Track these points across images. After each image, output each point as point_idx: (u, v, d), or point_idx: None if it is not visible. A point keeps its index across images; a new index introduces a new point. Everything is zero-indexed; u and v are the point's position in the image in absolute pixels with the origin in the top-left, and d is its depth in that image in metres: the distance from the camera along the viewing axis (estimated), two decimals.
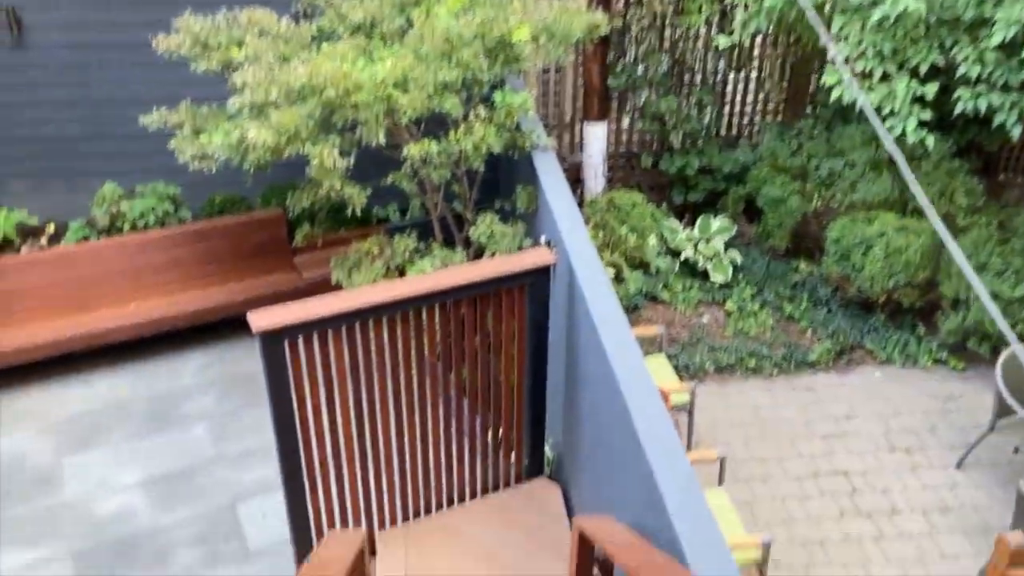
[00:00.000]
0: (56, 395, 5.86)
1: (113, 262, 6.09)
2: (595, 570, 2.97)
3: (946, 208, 6.39)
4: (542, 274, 3.96)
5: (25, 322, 5.92)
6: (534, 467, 4.53)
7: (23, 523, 4.88)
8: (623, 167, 8.02)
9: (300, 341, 3.61)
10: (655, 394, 3.10)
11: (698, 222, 7.08)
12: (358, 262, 5.26)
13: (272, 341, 3.49)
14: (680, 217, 7.39)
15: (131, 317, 6.01)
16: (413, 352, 3.90)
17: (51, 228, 6.72)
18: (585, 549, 2.94)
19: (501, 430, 4.37)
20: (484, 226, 5.01)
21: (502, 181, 6.23)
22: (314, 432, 3.79)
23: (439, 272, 3.88)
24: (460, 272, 3.87)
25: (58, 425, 5.60)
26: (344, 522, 4.08)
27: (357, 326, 3.71)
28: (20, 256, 5.92)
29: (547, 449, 4.57)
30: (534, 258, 3.95)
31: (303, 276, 6.43)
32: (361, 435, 3.93)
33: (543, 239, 4.51)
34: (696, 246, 6.89)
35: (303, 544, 4.01)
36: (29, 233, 6.65)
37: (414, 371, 3.95)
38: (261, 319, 3.46)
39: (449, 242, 5.80)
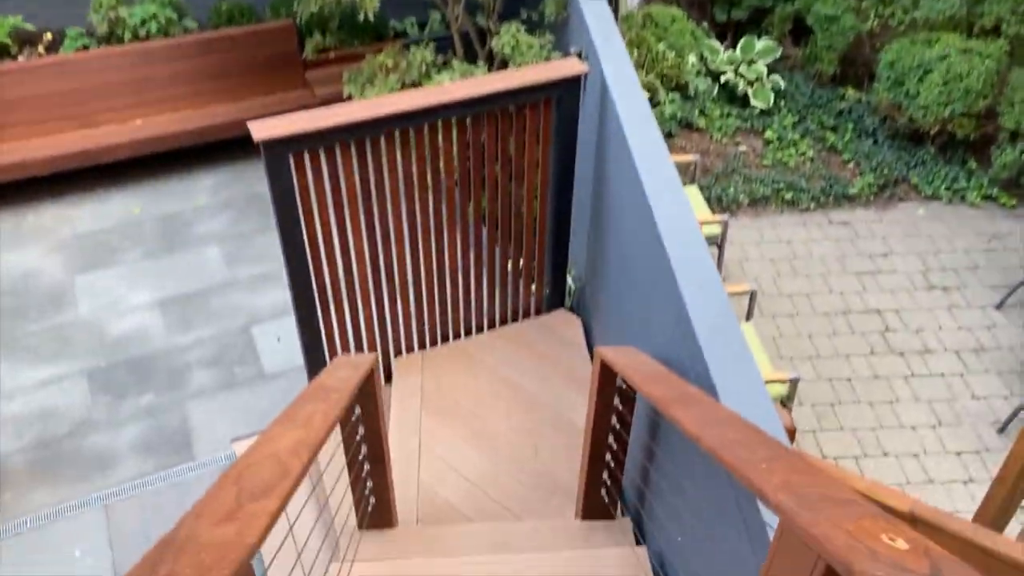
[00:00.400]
0: (66, 213, 5.69)
1: (115, 73, 5.74)
2: (616, 400, 2.82)
3: (1017, 28, 5.80)
4: (572, 87, 3.60)
5: (25, 135, 5.66)
6: (555, 299, 4.35)
7: (35, 340, 4.83)
8: None
9: (306, 155, 3.33)
10: (692, 220, 2.83)
11: (741, 42, 6.53)
12: (372, 76, 4.88)
13: (275, 153, 3.21)
14: (721, 37, 6.83)
15: (137, 133, 5.73)
16: (429, 174, 3.62)
17: (48, 36, 6.33)
18: (607, 378, 2.77)
19: (522, 259, 4.16)
20: (508, 36, 4.58)
21: None
22: (324, 253, 3.58)
23: (458, 83, 3.53)
24: (481, 82, 3.52)
25: (68, 243, 5.47)
26: (359, 347, 3.96)
27: (368, 141, 3.42)
28: (17, 63, 5.58)
29: (569, 280, 4.37)
30: (563, 68, 3.57)
31: (315, 93, 6.06)
32: (375, 258, 3.73)
33: (573, 50, 4.10)
34: (737, 69, 6.39)
35: (316, 370, 3.91)
36: (26, 41, 6.28)
37: (430, 194, 3.68)
38: (262, 128, 3.17)
39: (471, 58, 5.37)
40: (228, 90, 6.04)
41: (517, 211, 3.96)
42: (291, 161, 3.28)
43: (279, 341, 4.82)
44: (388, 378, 4.16)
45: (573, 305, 4.49)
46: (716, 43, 6.58)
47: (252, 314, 5.00)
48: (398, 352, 4.14)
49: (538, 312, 4.37)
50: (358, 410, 2.74)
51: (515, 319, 4.34)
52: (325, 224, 3.52)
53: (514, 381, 3.99)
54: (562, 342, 4.21)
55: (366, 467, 2.92)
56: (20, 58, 5.99)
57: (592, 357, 3.86)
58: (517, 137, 3.71)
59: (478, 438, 3.72)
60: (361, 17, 4.46)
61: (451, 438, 3.72)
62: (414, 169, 3.60)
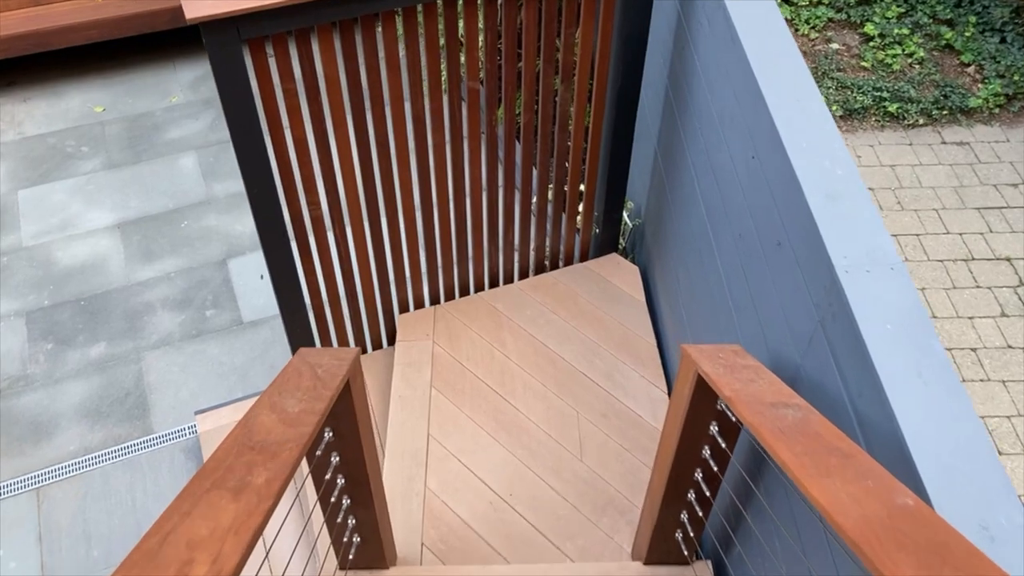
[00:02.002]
0: (11, 110, 4.73)
1: None
2: (713, 427, 1.89)
3: None
4: None
5: None
6: (606, 240, 3.36)
7: None
8: None
9: (269, 42, 2.33)
10: (848, 163, 1.82)
11: None
12: None
13: (222, 40, 2.21)
14: None
15: (100, 11, 4.69)
16: (444, 70, 2.61)
17: None
18: (702, 396, 1.83)
19: (566, 187, 3.16)
20: None
21: None
22: (300, 178, 2.62)
23: None
24: None
25: (12, 148, 4.53)
26: (351, 300, 3.03)
27: (359, 23, 2.41)
28: None
29: (625, 216, 3.38)
30: None
31: None
32: (369, 185, 2.76)
33: None
34: None
35: (295, 332, 2.99)
36: None
37: (445, 98, 2.67)
38: (199, 3, 2.17)
39: None
40: None
41: (562, 122, 2.94)
42: (247, 53, 2.28)
43: (263, 279, 3.91)
44: (390, 340, 3.25)
45: (628, 248, 3.51)
46: None
47: (231, 243, 4.08)
48: (403, 306, 3.21)
49: (584, 257, 3.40)
50: (329, 434, 1.82)
51: (554, 265, 3.37)
52: (300, 139, 2.54)
53: (552, 349, 3.06)
54: (614, 297, 3.25)
55: (345, 502, 2.03)
56: None
57: (652, 311, 2.91)
58: (567, 18, 2.66)
59: (505, 429, 2.82)
60: None
61: (469, 430, 2.82)
62: (423, 63, 2.59)
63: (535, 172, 3.08)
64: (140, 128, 4.64)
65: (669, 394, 2.95)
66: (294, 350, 3.08)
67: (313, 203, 2.72)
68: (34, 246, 4.06)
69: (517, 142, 2.97)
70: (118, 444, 3.32)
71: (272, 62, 2.29)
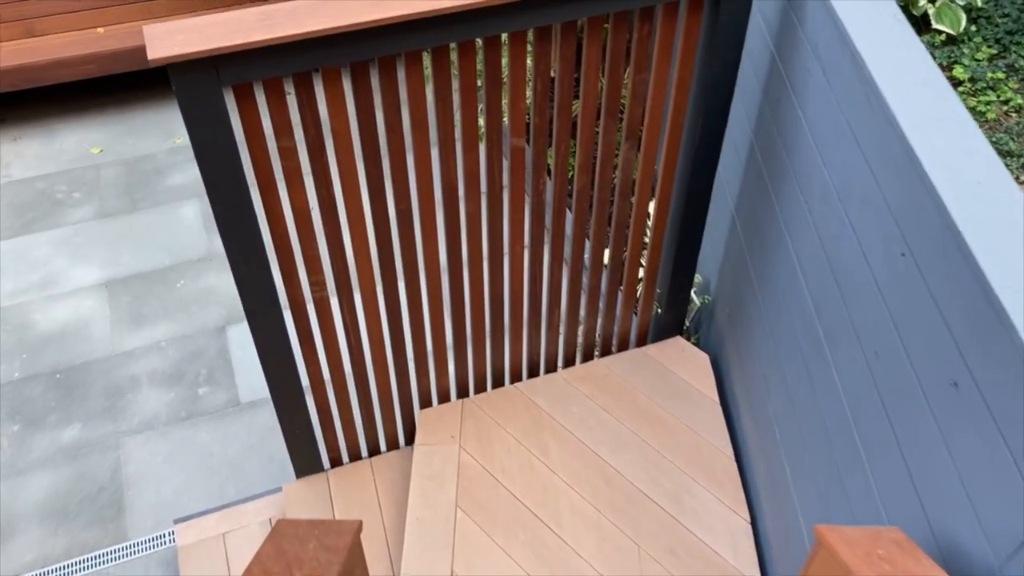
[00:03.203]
0: (1, 149, 4.29)
1: None
2: None
3: None
4: None
5: None
6: (670, 322, 2.81)
7: None
8: None
9: (260, 89, 1.83)
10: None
11: None
12: None
13: (197, 87, 1.71)
14: None
15: (99, 44, 4.26)
16: (483, 119, 2.09)
17: None
18: None
19: (624, 259, 2.63)
20: None
21: None
22: (302, 260, 2.12)
23: None
24: None
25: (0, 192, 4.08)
26: (362, 391, 2.50)
27: (375, 64, 1.90)
28: None
29: (693, 295, 2.83)
30: None
31: None
32: (387, 263, 2.23)
33: None
34: None
35: (296, 437, 2.46)
36: None
37: (483, 152, 2.16)
38: (165, 39, 1.66)
39: None
40: None
41: (624, 188, 2.41)
42: (232, 100, 1.77)
43: None
44: (408, 439, 2.71)
45: (692, 329, 2.95)
46: None
47: (232, 307, 3.57)
48: (425, 399, 2.67)
49: (642, 340, 2.85)
50: None
51: (606, 351, 2.83)
52: (301, 210, 2.03)
53: (605, 460, 2.50)
54: (680, 392, 2.69)
55: None
56: None
57: (726, 410, 2.33)
58: (637, 62, 2.14)
59: (548, 566, 2.25)
60: None
61: (503, 565, 2.26)
62: (457, 110, 2.07)
63: (587, 243, 2.55)
64: (139, 172, 4.18)
65: (752, 524, 2.37)
66: (292, 457, 2.55)
67: (317, 284, 2.20)
68: (9, 307, 3.58)
69: (568, 209, 2.49)
70: (84, 553, 2.80)
71: (265, 113, 1.79)
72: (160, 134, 4.39)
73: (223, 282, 3.66)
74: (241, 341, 3.44)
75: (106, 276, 3.71)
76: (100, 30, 4.39)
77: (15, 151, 4.27)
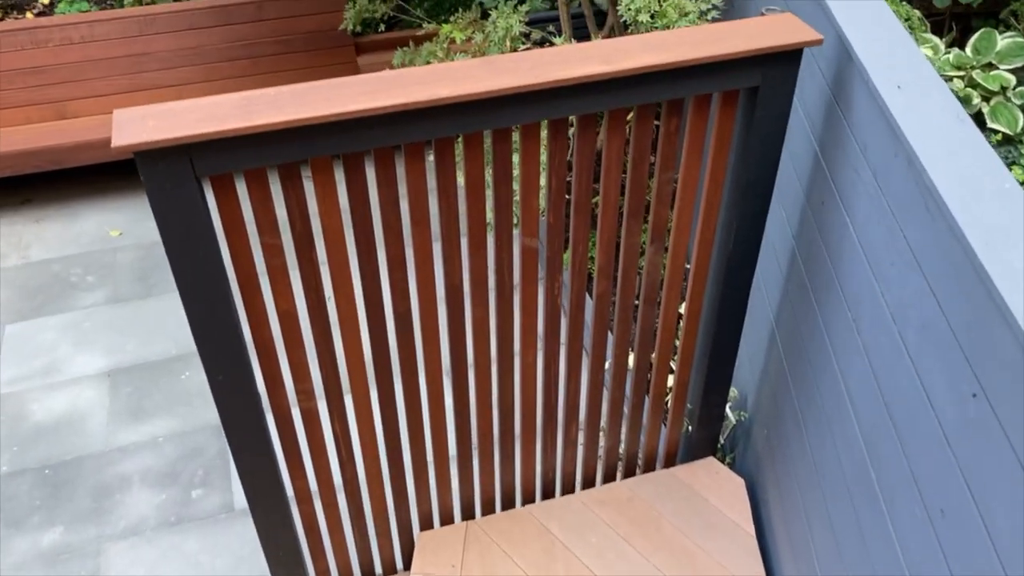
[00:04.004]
0: (22, 231, 4.23)
1: (102, 47, 4.26)
2: None
3: None
4: (783, 69, 1.80)
5: None
6: (701, 440, 2.53)
7: None
8: None
9: (241, 180, 1.66)
10: None
11: (973, 39, 4.56)
12: (432, 54, 3.20)
13: (167, 178, 1.54)
14: (942, 31, 4.89)
15: None
16: (492, 214, 1.90)
17: (44, 0, 4.94)
18: None
19: (651, 371, 2.38)
20: None
21: None
22: (288, 367, 1.91)
23: (558, 50, 1.80)
24: (612, 51, 1.75)
25: (13, 274, 3.98)
26: (354, 509, 2.24)
27: (371, 155, 1.73)
28: None
29: (728, 411, 2.56)
30: (773, 33, 1.78)
31: None
32: (383, 368, 2.02)
33: (765, 9, 2.30)
34: (969, 75, 4.43)
35: (280, 559, 2.21)
36: (12, 6, 4.90)
37: (491, 250, 1.95)
38: (135, 124, 1.51)
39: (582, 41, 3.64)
40: (251, 77, 4.48)
41: (650, 294, 2.18)
42: (208, 191, 1.60)
43: None
44: (406, 563, 2.44)
45: (727, 447, 2.67)
46: (935, 38, 4.63)
47: None
48: (425, 521, 2.40)
49: (670, 460, 2.57)
50: None
51: (629, 471, 2.55)
52: (287, 313, 1.83)
53: None
54: (711, 522, 2.40)
55: None
56: None
57: (762, 544, 2.02)
58: (664, 158, 1.94)
59: None
60: None
61: None
62: (462, 210, 1.88)
63: (609, 351, 2.31)
64: (155, 257, 4.07)
65: None
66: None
67: (304, 393, 1.99)
68: (8, 394, 3.42)
69: (586, 306, 2.27)
70: None
71: (246, 207, 1.60)
72: None
73: None
74: None
75: (110, 364, 3.55)
76: None
77: (36, 232, 4.20)
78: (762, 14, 2.07)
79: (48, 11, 4.85)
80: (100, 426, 3.31)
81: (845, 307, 1.81)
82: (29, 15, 4.81)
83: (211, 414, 3.34)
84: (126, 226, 4.26)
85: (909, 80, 1.63)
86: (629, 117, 1.92)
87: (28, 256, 4.09)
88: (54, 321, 3.75)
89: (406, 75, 1.69)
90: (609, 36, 3.60)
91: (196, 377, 3.49)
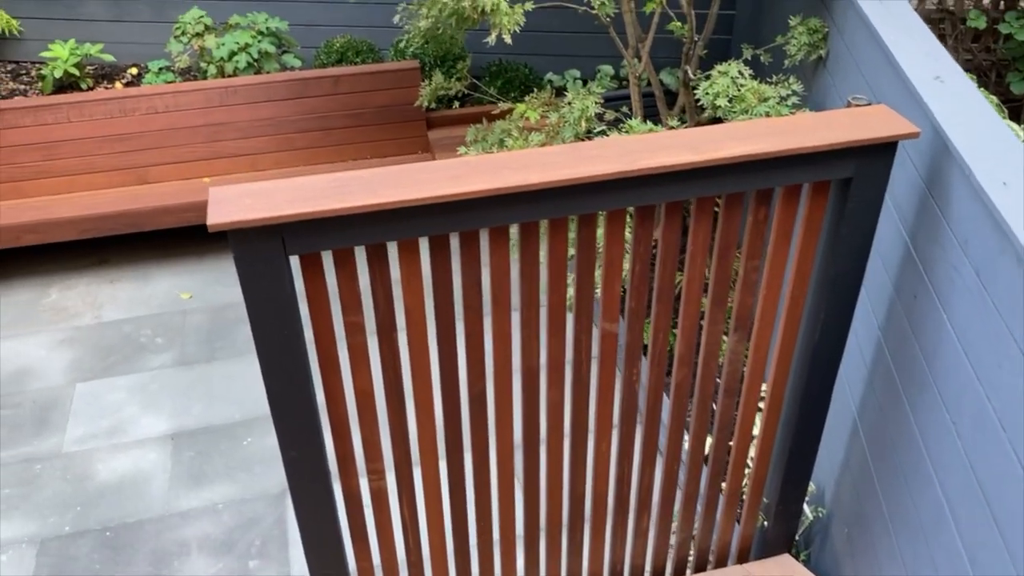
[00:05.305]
0: (97, 291, 4.33)
1: (183, 116, 4.42)
2: None
3: None
4: (876, 161, 1.77)
5: (65, 187, 4.39)
6: (777, 536, 2.43)
7: None
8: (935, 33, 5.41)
9: (329, 257, 1.67)
10: None
11: None
12: (507, 133, 3.24)
13: (258, 256, 1.56)
14: (1019, 116, 4.81)
15: (203, 194, 4.34)
16: (571, 307, 1.88)
17: (133, 71, 5.17)
18: None
19: (730, 457, 2.30)
20: (725, 81, 2.81)
21: (745, 23, 3.98)
22: (361, 446, 1.89)
23: (644, 138, 1.80)
24: (701, 140, 1.74)
25: (85, 334, 4.07)
26: None
27: (456, 239, 1.73)
28: (63, 96, 4.34)
29: (805, 507, 2.45)
30: (867, 125, 1.75)
31: (437, 158, 4.50)
32: (455, 452, 1.98)
33: (852, 98, 2.28)
34: None
35: None
36: (103, 76, 5.12)
37: (570, 344, 1.92)
38: (231, 202, 1.53)
39: (653, 122, 3.65)
40: (324, 148, 4.59)
41: (730, 384, 2.12)
42: (296, 267, 1.61)
43: None
44: None
45: (802, 543, 2.55)
46: (1015, 125, 4.54)
47: None
48: None
49: (743, 556, 2.46)
50: None
51: (700, 567, 2.45)
52: (364, 391, 1.82)
53: None
54: None
55: None
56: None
57: None
58: (751, 247, 1.90)
59: None
60: (493, 38, 2.83)
61: None
62: (543, 293, 1.86)
63: (685, 441, 2.24)
64: (223, 320, 4.13)
65: None
66: None
67: (375, 472, 1.96)
68: (75, 453, 3.46)
69: (665, 393, 2.21)
70: None
71: (333, 285, 1.61)
72: None
73: None
74: None
75: (174, 427, 3.57)
76: (206, 180, 4.49)
77: (111, 293, 4.30)
78: (848, 103, 2.04)
79: (136, 81, 5.06)
80: (161, 489, 3.31)
81: (942, 408, 1.73)
82: (118, 85, 5.03)
83: (270, 482, 3.32)
84: (196, 289, 4.34)
85: (1015, 177, 1.58)
86: (717, 207, 1.90)
87: (101, 316, 4.18)
88: (123, 381, 3.80)
89: (494, 160, 1.70)
90: (681, 117, 3.61)
91: (257, 444, 3.49)
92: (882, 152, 1.74)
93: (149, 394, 3.74)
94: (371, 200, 1.54)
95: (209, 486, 3.32)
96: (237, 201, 1.54)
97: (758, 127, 1.78)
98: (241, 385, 3.78)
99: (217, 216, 1.49)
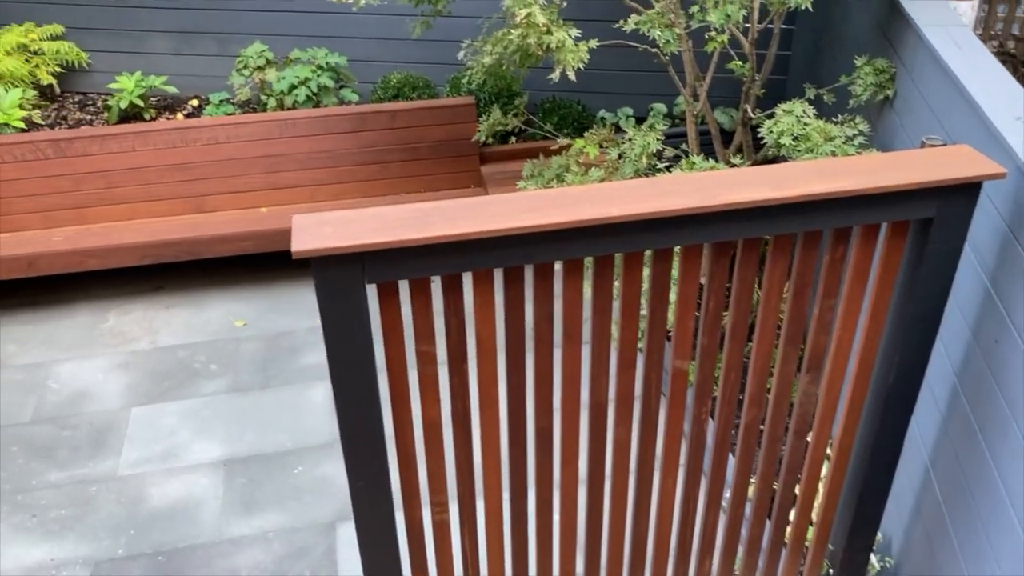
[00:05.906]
0: (154, 317, 4.40)
1: (242, 147, 4.50)
2: None
3: None
4: (958, 202, 1.74)
5: (125, 215, 4.49)
6: None
7: (49, 498, 3.41)
8: None
9: (407, 285, 1.68)
10: None
11: None
12: (565, 168, 3.25)
13: (339, 283, 1.57)
14: None
15: (259, 223, 4.41)
16: (642, 344, 1.86)
17: (194, 102, 5.30)
18: None
19: (796, 502, 2.24)
20: (788, 119, 2.80)
21: (801, 63, 3.97)
22: (427, 478, 1.88)
23: (722, 174, 1.79)
24: (776, 177, 1.72)
25: (141, 359, 4.13)
26: None
27: (530, 271, 1.72)
28: (126, 126, 4.46)
29: (873, 558, 2.38)
30: (950, 165, 1.73)
31: (490, 192, 4.53)
32: (519, 487, 1.96)
33: (926, 139, 2.25)
34: None
35: None
36: (166, 107, 5.26)
37: (639, 382, 1.90)
38: (313, 230, 1.54)
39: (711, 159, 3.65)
40: (380, 181, 4.65)
41: (800, 426, 2.07)
42: (373, 293, 1.62)
43: None
44: None
45: None
46: None
47: (346, 501, 3.34)
48: None
49: None
50: None
51: None
52: (432, 422, 1.81)
53: None
54: None
55: None
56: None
57: None
58: (827, 286, 1.87)
59: None
60: (557, 75, 2.86)
61: None
62: (615, 329, 1.85)
63: (751, 485, 2.20)
64: (276, 348, 4.16)
65: None
66: None
67: (439, 505, 1.95)
68: (129, 476, 3.49)
69: (733, 439, 2.17)
70: None
71: (407, 315, 1.62)
72: (303, 312, 4.41)
73: (341, 473, 3.47)
74: (351, 541, 3.18)
75: (226, 454, 3.59)
76: (263, 210, 4.57)
77: (166, 319, 4.37)
78: (922, 143, 2.02)
79: (196, 112, 5.19)
80: (213, 515, 3.32)
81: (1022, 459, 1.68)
82: (179, 116, 5.15)
83: (321, 512, 3.32)
84: (251, 317, 4.39)
85: None
86: (795, 244, 1.88)
87: (157, 341, 4.24)
88: (176, 407, 3.84)
89: (570, 193, 1.70)
90: (738, 155, 3.60)
91: (308, 473, 3.49)
92: (965, 192, 1.71)
93: (202, 420, 3.77)
94: (452, 231, 1.55)
95: (260, 514, 3.33)
96: (318, 229, 1.56)
97: (836, 165, 1.76)
98: (293, 413, 3.79)
99: (301, 243, 1.51)
